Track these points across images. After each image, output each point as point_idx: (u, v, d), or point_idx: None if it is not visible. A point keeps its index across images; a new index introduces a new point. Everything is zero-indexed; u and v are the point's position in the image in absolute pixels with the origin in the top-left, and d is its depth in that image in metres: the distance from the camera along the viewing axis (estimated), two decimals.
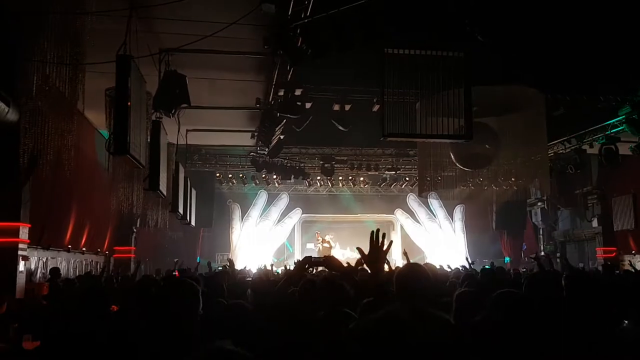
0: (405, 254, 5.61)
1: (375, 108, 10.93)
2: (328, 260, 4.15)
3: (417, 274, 3.10)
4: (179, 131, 10.45)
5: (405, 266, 3.33)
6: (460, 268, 8.29)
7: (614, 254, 15.61)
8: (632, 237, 15.23)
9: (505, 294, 2.51)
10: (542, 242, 19.57)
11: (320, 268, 6.29)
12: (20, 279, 8.06)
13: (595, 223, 16.94)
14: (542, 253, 18.18)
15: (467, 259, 8.23)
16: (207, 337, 2.53)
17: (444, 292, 3.87)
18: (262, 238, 18.31)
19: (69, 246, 11.15)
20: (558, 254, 18.61)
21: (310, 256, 4.31)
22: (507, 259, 18.66)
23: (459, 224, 19.59)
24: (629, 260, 15.29)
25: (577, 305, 3.32)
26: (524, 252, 19.34)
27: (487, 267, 8.76)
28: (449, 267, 8.99)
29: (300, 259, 4.35)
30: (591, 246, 17.28)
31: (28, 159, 5.85)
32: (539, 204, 19.30)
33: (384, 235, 2.62)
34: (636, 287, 4.50)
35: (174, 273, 6.87)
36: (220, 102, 11.30)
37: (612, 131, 12.35)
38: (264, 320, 3.17)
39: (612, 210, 16.08)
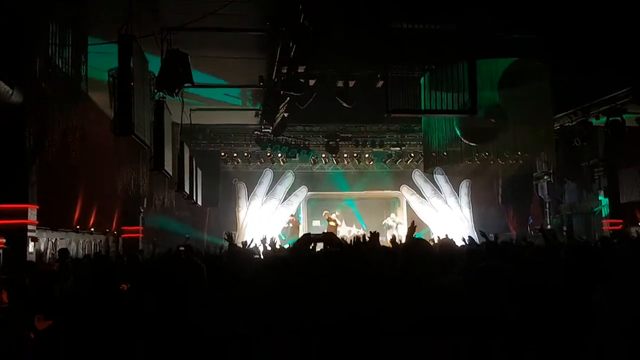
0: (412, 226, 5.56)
1: (379, 84, 10.87)
2: (328, 237, 4.20)
3: (421, 249, 3.15)
4: (182, 110, 10.45)
5: (410, 241, 3.37)
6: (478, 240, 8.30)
7: (621, 226, 15.59)
8: (639, 209, 15.21)
9: (483, 268, 2.55)
10: (548, 216, 19.55)
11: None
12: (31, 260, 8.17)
13: (601, 195, 16.90)
14: (548, 226, 18.24)
15: (481, 232, 8.25)
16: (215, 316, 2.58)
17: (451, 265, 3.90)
18: (269, 216, 18.40)
19: (77, 227, 11.27)
20: (565, 228, 18.63)
21: (310, 233, 4.32)
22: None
23: (465, 199, 19.58)
24: (636, 231, 15.30)
25: (577, 276, 3.34)
26: (530, 226, 19.34)
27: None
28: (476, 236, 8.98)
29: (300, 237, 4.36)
30: (597, 219, 17.27)
31: (34, 140, 5.88)
32: (545, 177, 19.23)
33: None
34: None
35: (180, 249, 6.95)
36: (223, 81, 11.28)
37: (618, 103, 12.23)
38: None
39: (618, 182, 16.02)
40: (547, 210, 19.75)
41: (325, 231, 4.17)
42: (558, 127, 14.33)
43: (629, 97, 11.38)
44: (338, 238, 3.89)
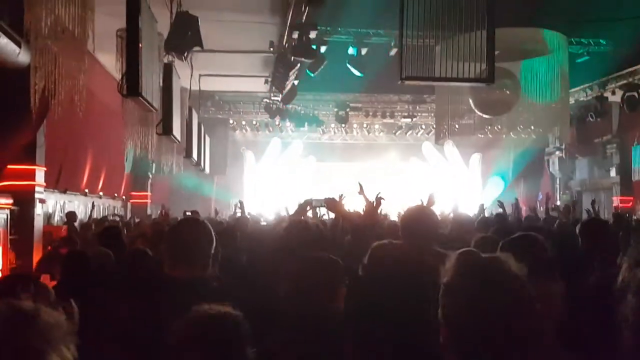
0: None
1: (392, 52, 10.63)
2: (329, 203, 4.03)
3: (422, 217, 3.02)
4: (192, 75, 10.29)
5: (411, 209, 3.22)
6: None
7: (631, 204, 15.43)
8: None
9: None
10: (558, 192, 19.40)
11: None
12: (38, 222, 8.15)
13: (613, 172, 16.70)
14: (558, 202, 18.11)
15: (499, 203, 8.21)
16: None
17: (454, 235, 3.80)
18: (277, 185, 18.35)
19: (86, 190, 11.26)
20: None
21: (311, 199, 4.17)
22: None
23: (475, 172, 19.43)
24: None
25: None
26: (539, 202, 19.19)
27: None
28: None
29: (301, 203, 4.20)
30: (607, 196, 17.09)
31: (40, 99, 5.77)
32: (557, 152, 19.04)
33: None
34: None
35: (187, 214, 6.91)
36: (233, 46, 11.07)
37: (636, 78, 11.96)
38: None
39: (631, 159, 15.78)
40: (558, 186, 19.59)
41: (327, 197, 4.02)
42: (572, 102, 14.07)
43: None
44: (341, 204, 3.74)
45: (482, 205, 8.93)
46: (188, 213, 7.88)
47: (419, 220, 2.87)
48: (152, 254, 3.45)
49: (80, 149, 10.81)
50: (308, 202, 3.54)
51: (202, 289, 2.09)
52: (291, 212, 5.91)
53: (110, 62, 10.22)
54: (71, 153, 10.26)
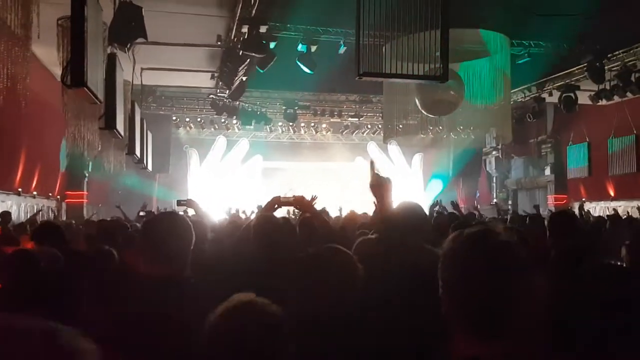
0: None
1: (342, 50, 10.62)
2: (298, 201, 3.92)
3: (411, 212, 2.96)
4: (134, 68, 9.83)
5: (399, 205, 3.15)
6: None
7: (565, 201, 16.18)
8: (584, 184, 15.78)
9: None
10: (494, 190, 20.08)
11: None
12: None
13: (547, 171, 17.44)
14: (495, 201, 18.75)
15: (452, 202, 8.33)
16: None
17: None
18: (221, 185, 17.98)
19: (20, 189, 10.56)
20: (510, 202, 19.19)
21: (279, 196, 4.04)
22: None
23: (417, 171, 19.80)
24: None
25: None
26: (477, 200, 19.80)
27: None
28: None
29: (269, 200, 4.06)
30: (542, 194, 17.85)
31: None
32: (494, 152, 19.70)
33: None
34: None
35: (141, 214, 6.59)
36: (177, 39, 10.67)
37: (573, 79, 12.51)
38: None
39: (565, 158, 16.55)
40: (494, 184, 20.28)
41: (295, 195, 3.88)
42: (511, 103, 14.55)
43: (584, 73, 11.63)
44: (309, 202, 3.65)
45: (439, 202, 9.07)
46: (142, 214, 7.48)
47: (405, 217, 2.79)
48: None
49: (13, 145, 10.12)
50: (276, 200, 3.39)
51: (180, 288, 1.93)
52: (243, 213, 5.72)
53: (44, 53, 9.64)
54: (4, 150, 9.58)
